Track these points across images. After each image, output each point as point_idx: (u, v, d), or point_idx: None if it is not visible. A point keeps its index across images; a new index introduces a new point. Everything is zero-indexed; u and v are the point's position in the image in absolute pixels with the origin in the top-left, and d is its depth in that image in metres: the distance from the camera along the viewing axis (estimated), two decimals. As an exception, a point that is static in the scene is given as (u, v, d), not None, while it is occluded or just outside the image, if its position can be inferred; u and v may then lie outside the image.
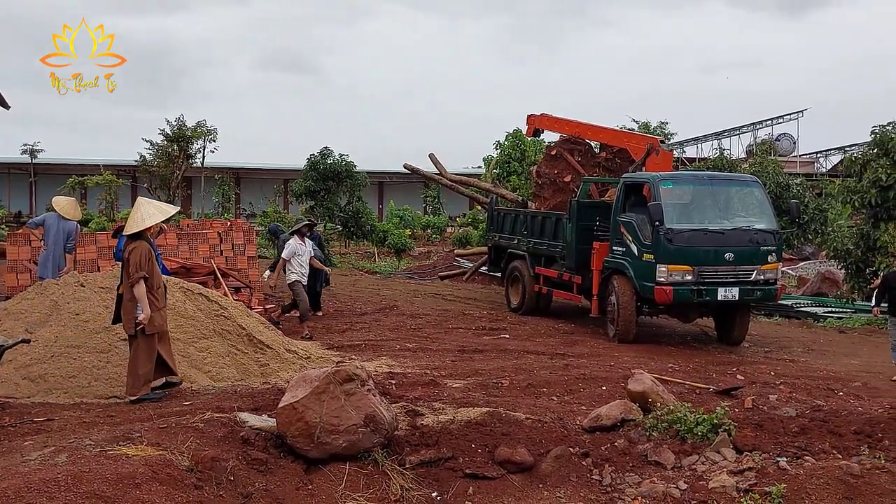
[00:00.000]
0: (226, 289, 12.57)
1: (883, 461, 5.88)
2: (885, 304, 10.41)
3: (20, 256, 12.17)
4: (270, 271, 13.38)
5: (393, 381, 8.50)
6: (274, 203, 41.33)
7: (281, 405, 6.03)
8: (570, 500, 5.76)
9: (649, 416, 6.78)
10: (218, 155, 40.99)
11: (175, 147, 37.88)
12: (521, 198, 19.57)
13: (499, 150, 30.61)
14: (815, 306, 17.45)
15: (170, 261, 12.38)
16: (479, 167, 36.32)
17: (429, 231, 36.89)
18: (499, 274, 17.53)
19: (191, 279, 11.28)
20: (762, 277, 11.92)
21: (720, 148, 42.08)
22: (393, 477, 5.85)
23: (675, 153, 33.01)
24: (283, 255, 12.46)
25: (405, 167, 22.37)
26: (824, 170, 49.51)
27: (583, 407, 7.73)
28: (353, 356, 10.23)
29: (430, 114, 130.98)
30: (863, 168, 16.14)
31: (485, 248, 19.63)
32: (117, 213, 37.70)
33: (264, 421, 6.26)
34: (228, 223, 17.00)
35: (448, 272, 22.86)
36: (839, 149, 48.94)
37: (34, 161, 45.11)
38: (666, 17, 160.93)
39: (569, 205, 14.12)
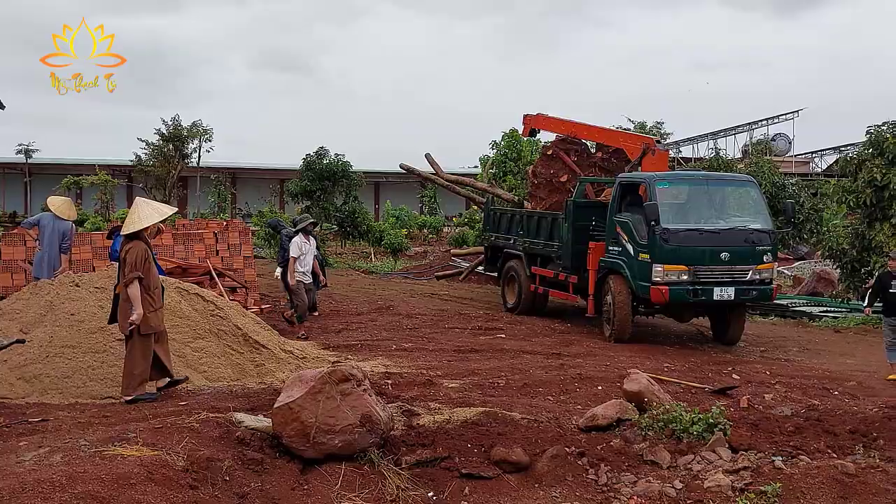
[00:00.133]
0: (221, 289, 12.56)
1: (878, 460, 5.90)
2: (880, 304, 10.42)
3: (15, 256, 12.15)
4: (281, 268, 13.23)
5: (389, 381, 8.50)
6: (270, 203, 41.28)
7: (277, 405, 6.02)
8: (565, 500, 5.77)
9: (645, 415, 6.79)
10: (214, 155, 41.10)
11: (171, 147, 37.87)
12: (517, 198, 19.58)
13: (495, 150, 30.58)
14: (811, 306, 17.47)
15: (166, 261, 12.36)
16: (476, 167, 36.32)
17: (425, 231, 36.87)
18: (495, 274, 17.54)
19: (186, 279, 11.27)
20: (758, 277, 11.93)
21: (716, 148, 42.19)
22: (389, 477, 5.85)
23: (671, 153, 33.05)
24: (292, 254, 12.29)
25: (401, 167, 22.37)
26: (819, 170, 49.65)
27: (579, 407, 7.74)
28: (349, 356, 10.23)
29: (427, 114, 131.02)
30: (858, 168, 16.16)
31: (481, 248, 19.63)
32: (113, 213, 37.66)
33: (260, 421, 6.26)
34: (224, 223, 16.99)
35: (444, 272, 22.85)
36: (834, 149, 49.07)
37: (29, 161, 45.01)
38: (662, 17, 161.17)
39: (565, 205, 14.13)
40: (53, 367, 7.75)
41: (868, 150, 16.07)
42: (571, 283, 13.82)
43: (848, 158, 17.42)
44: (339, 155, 29.35)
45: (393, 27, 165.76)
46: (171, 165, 37.83)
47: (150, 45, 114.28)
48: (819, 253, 21.28)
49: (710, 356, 11.58)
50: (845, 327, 14.87)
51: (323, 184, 28.70)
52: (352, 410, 5.97)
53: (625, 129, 26.38)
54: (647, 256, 11.75)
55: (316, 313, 14.22)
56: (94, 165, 40.21)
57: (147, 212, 7.67)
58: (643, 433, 6.55)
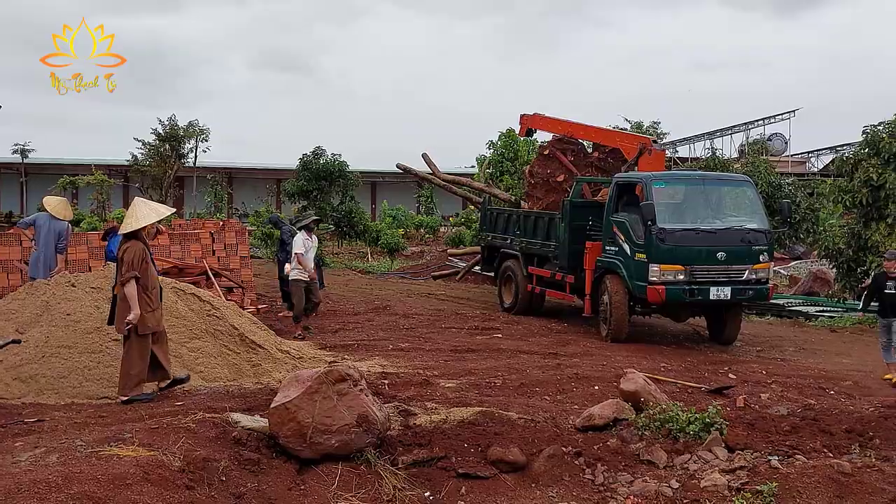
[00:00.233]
0: (218, 289, 12.55)
1: (874, 459, 5.91)
2: (876, 304, 10.43)
3: (11, 256, 12.13)
4: (290, 265, 13.08)
5: (385, 381, 8.50)
6: (267, 203, 41.26)
7: (273, 405, 6.02)
8: (562, 500, 5.77)
9: (641, 415, 6.79)
10: (210, 155, 41.01)
11: (167, 147, 37.80)
12: (513, 197, 19.59)
13: (492, 150, 30.60)
14: (807, 305, 17.50)
15: (162, 261, 12.35)
16: (472, 167, 36.32)
17: (422, 231, 36.87)
18: (492, 274, 17.53)
19: (183, 279, 11.26)
20: (754, 277, 11.95)
21: (712, 148, 42.20)
22: (385, 477, 5.85)
23: (668, 153, 33.09)
24: (297, 251, 12.22)
25: (398, 167, 22.35)
26: (816, 169, 49.72)
27: (575, 406, 7.74)
28: (346, 356, 10.22)
29: (424, 113, 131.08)
30: (854, 168, 16.19)
31: (478, 248, 19.62)
32: (109, 213, 37.59)
33: (256, 421, 6.25)
34: (221, 223, 16.98)
35: (441, 272, 22.85)
36: (830, 148, 49.17)
37: (25, 160, 44.92)
38: (661, 17, 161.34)
39: (561, 204, 14.13)
40: (49, 368, 7.73)
41: (864, 149, 16.10)
42: (568, 282, 13.82)
43: (844, 158, 17.45)
44: (335, 155, 29.37)
45: (392, 27, 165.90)
46: (167, 165, 37.77)
47: (148, 45, 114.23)
48: (815, 253, 21.32)
49: (706, 356, 11.59)
50: (841, 327, 14.90)
51: (319, 184, 28.69)
52: (348, 410, 5.97)
53: (621, 129, 26.44)
54: (643, 256, 11.76)
55: (313, 313, 14.22)
56: (91, 165, 40.10)
57: (144, 212, 7.67)
58: (640, 433, 6.55)
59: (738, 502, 5.31)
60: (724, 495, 5.47)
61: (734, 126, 50.83)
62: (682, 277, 11.64)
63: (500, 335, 12.67)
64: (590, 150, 16.82)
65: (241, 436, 5.94)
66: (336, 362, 8.01)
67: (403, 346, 11.27)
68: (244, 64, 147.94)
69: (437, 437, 6.39)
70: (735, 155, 44.99)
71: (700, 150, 47.13)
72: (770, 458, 5.94)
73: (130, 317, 7.27)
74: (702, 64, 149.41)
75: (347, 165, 29.35)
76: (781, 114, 49.64)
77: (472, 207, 27.83)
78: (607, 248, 12.72)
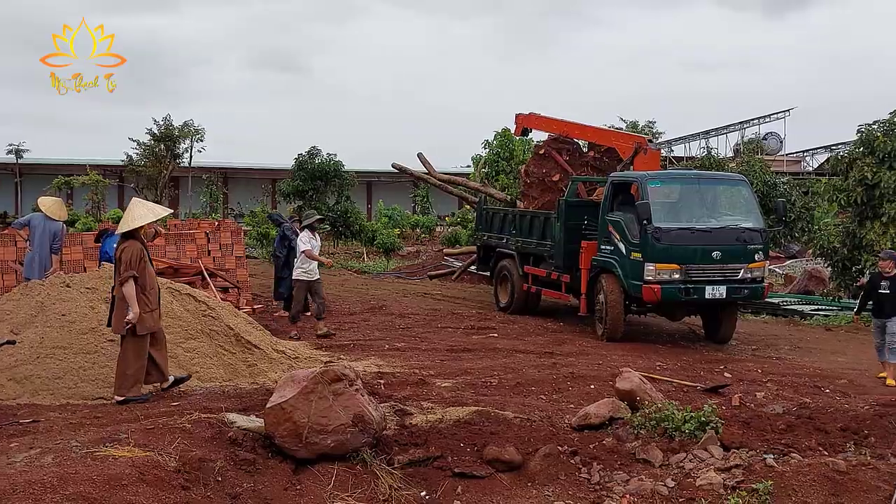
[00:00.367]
0: (213, 289, 12.52)
1: (869, 458, 5.93)
2: (871, 304, 10.44)
3: (6, 257, 12.09)
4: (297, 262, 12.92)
5: (381, 381, 8.50)
6: (262, 203, 41.19)
7: (269, 405, 6.02)
8: (558, 499, 5.78)
9: (637, 414, 6.80)
10: (206, 155, 41.00)
11: (162, 147, 37.75)
12: (509, 197, 19.57)
13: (487, 150, 30.59)
14: (802, 304, 17.52)
15: (157, 261, 12.30)
16: (468, 166, 36.31)
17: (418, 230, 36.84)
18: (488, 273, 17.53)
19: (178, 279, 11.24)
20: (749, 276, 11.97)
21: (707, 147, 42.31)
22: (381, 476, 5.85)
23: (663, 152, 33.11)
24: (303, 249, 12.11)
25: (394, 166, 22.33)
26: (811, 168, 49.86)
27: (571, 405, 7.75)
28: (342, 356, 10.22)
29: (419, 113, 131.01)
30: (849, 167, 16.23)
31: (473, 248, 19.61)
32: (104, 213, 37.51)
33: (252, 421, 6.25)
34: (216, 223, 16.95)
35: (437, 272, 22.83)
36: (825, 147, 49.32)
37: (20, 161, 44.81)
38: (654, 16, 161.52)
39: (557, 204, 14.14)
40: (44, 368, 7.71)
41: (859, 148, 16.14)
42: (564, 282, 13.83)
43: (839, 157, 17.51)
44: (331, 154, 29.35)
45: (389, 26, 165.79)
46: (162, 165, 37.72)
47: (142, 45, 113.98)
48: (810, 251, 21.34)
49: (701, 355, 11.61)
50: (836, 325, 14.93)
51: (315, 183, 28.66)
52: (344, 410, 5.97)
53: (617, 129, 26.46)
54: (639, 255, 11.78)
55: (308, 313, 14.20)
56: (85, 165, 40.02)
57: (141, 212, 7.68)
58: (635, 432, 6.56)
59: (733, 501, 5.32)
60: (720, 494, 5.48)
61: (729, 125, 50.99)
62: (677, 276, 11.66)
63: (496, 334, 12.67)
64: (585, 150, 16.82)
65: (236, 436, 5.94)
66: (332, 362, 8.02)
67: (399, 346, 11.27)
68: (236, 64, 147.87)
69: (433, 436, 6.39)
70: (730, 154, 45.12)
71: (695, 149, 47.25)
72: (765, 456, 5.95)
73: (130, 316, 7.25)
74: (696, 63, 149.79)
75: (343, 165, 29.32)
76: (776, 113, 49.84)
77: (468, 207, 27.81)
78: (603, 247, 12.73)
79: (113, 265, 9.34)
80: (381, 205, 40.16)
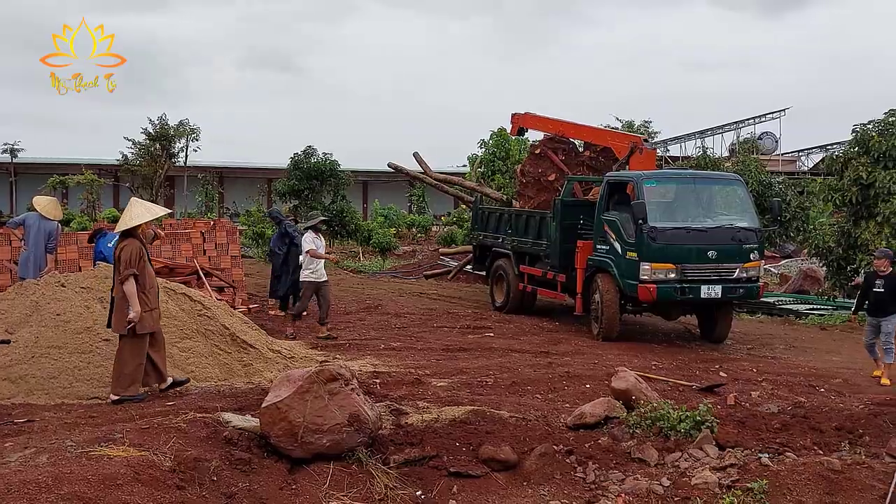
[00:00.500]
0: (209, 288, 12.51)
1: (863, 457, 5.94)
2: (867, 304, 10.46)
3: (0, 256, 12.06)
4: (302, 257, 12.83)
5: (377, 381, 8.49)
6: (258, 202, 41.16)
7: (264, 405, 6.01)
8: (553, 498, 5.78)
9: (633, 413, 6.81)
10: (201, 154, 40.91)
11: (157, 146, 37.68)
12: (505, 196, 19.59)
13: (483, 149, 30.62)
14: (797, 304, 17.57)
15: (153, 260, 12.28)
16: (464, 166, 36.32)
17: (414, 230, 36.81)
18: (483, 273, 17.55)
19: (173, 279, 11.22)
20: (745, 275, 11.99)
21: (703, 147, 42.37)
22: (377, 476, 5.85)
23: (659, 152, 33.15)
24: (308, 248, 12.01)
25: (389, 166, 22.32)
26: (806, 168, 49.95)
27: (567, 405, 7.75)
28: (338, 355, 10.21)
29: (415, 113, 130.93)
30: (844, 166, 16.27)
31: (469, 247, 19.62)
32: (99, 212, 37.44)
33: (248, 421, 6.24)
34: (212, 223, 16.93)
35: (433, 271, 22.83)
36: (820, 147, 49.40)
37: (15, 160, 44.68)
38: (654, 16, 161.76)
39: (553, 203, 14.15)
40: (39, 368, 7.70)
41: (854, 148, 16.18)
42: (560, 281, 13.84)
43: (834, 157, 17.55)
44: (326, 154, 29.38)
45: (382, 26, 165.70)
46: (157, 165, 37.64)
47: (138, 45, 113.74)
48: (805, 251, 21.43)
49: (697, 354, 11.63)
50: (831, 325, 14.96)
51: (311, 183, 28.68)
52: (340, 410, 5.97)
53: (613, 128, 26.48)
54: (634, 255, 11.79)
55: (304, 312, 14.19)
56: (81, 165, 39.95)
57: (139, 211, 7.70)
58: (631, 431, 6.57)
59: (728, 500, 5.32)
60: (715, 493, 5.49)
61: (725, 125, 51.05)
62: (672, 276, 11.67)
63: (491, 334, 12.68)
64: (581, 149, 16.84)
65: (232, 435, 5.93)
66: (327, 362, 8.00)
67: (395, 346, 11.27)
68: (232, 63, 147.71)
69: (428, 436, 6.40)
70: (726, 154, 45.16)
71: (691, 148, 47.34)
72: (760, 455, 5.96)
73: (131, 315, 7.25)
74: (696, 63, 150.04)
75: (339, 164, 29.33)
76: (772, 112, 49.89)
77: (464, 207, 27.83)
78: (598, 246, 12.73)
79: (107, 265, 9.38)
80: (377, 204, 40.12)
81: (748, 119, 50.59)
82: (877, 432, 6.57)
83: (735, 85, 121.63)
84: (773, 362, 11.12)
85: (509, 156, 28.57)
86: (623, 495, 5.64)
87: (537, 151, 16.37)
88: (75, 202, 39.88)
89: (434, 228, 37.03)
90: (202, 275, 12.88)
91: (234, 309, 11.30)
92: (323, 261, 12.27)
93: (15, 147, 44.06)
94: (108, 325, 7.61)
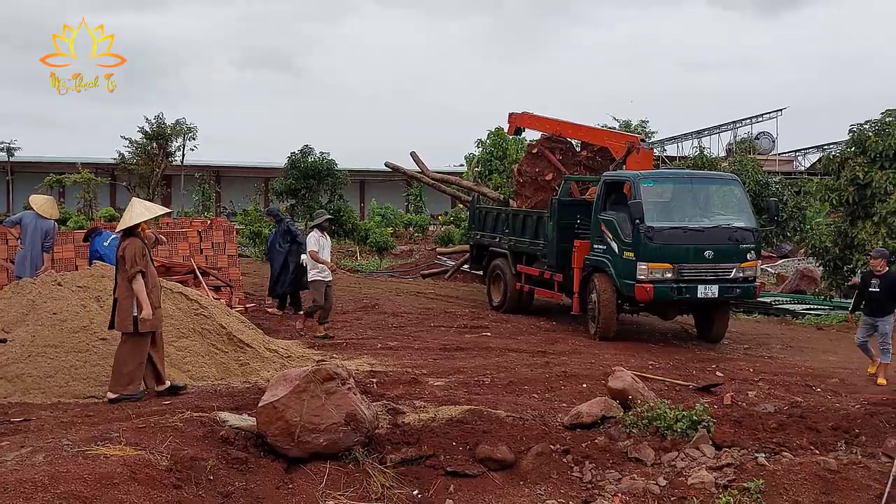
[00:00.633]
0: (205, 288, 12.49)
1: (859, 456, 5.96)
2: (864, 303, 10.47)
3: (-3, 255, 12.03)
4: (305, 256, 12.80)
5: (374, 380, 8.49)
6: (255, 201, 41.13)
7: (261, 404, 6.01)
8: (550, 497, 5.78)
9: (629, 413, 6.82)
10: (198, 153, 40.83)
11: (154, 145, 37.61)
12: (502, 196, 19.59)
13: (481, 149, 30.61)
14: (794, 303, 17.59)
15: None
16: (461, 165, 36.31)
17: (411, 229, 36.80)
18: (480, 272, 17.54)
19: (170, 278, 11.20)
20: (741, 275, 12.00)
21: (700, 146, 42.36)
22: (374, 475, 5.85)
23: (656, 151, 33.19)
24: (312, 248, 11.99)
25: (387, 165, 22.31)
26: (803, 168, 50.03)
27: (563, 404, 7.75)
28: (334, 355, 10.20)
29: (412, 112, 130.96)
30: (841, 166, 16.29)
31: (467, 247, 19.60)
32: (96, 211, 37.39)
33: (244, 420, 6.24)
34: (209, 222, 16.91)
35: (430, 270, 22.83)
36: (817, 147, 49.52)
37: (11, 159, 44.61)
38: (650, 16, 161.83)
39: (550, 203, 14.14)
40: (36, 367, 7.68)
41: (851, 148, 16.22)
42: (557, 281, 13.84)
43: (831, 157, 17.58)
44: (323, 153, 29.36)
45: (379, 26, 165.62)
46: (154, 164, 37.56)
47: (134, 44, 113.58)
48: (802, 251, 21.43)
49: (694, 354, 11.63)
50: (828, 325, 14.98)
51: (308, 182, 28.65)
52: (336, 409, 5.97)
53: (610, 128, 26.50)
54: (631, 254, 11.79)
55: (301, 312, 14.17)
56: (77, 164, 39.87)
57: (139, 210, 7.73)
58: (627, 431, 6.58)
59: (725, 499, 5.33)
60: (712, 492, 5.50)
61: (722, 125, 51.11)
62: (669, 276, 11.68)
63: (488, 333, 12.68)
64: (578, 149, 16.84)
65: (228, 435, 5.93)
66: (324, 361, 8.01)
67: (392, 345, 11.26)
68: (229, 63, 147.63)
69: (425, 435, 6.40)
70: (723, 154, 45.24)
71: (688, 148, 47.37)
72: (757, 455, 5.98)
73: (144, 313, 7.26)
74: (693, 63, 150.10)
75: (336, 164, 29.31)
76: (769, 112, 49.97)
77: (461, 206, 27.85)
78: (595, 246, 12.74)
79: (104, 264, 9.36)
80: (374, 203, 40.12)
81: (745, 119, 50.70)
82: (873, 432, 6.58)
83: (734, 85, 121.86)
84: (770, 362, 11.13)
85: (506, 155, 28.57)
86: (619, 495, 5.64)
87: (534, 151, 16.37)
88: (72, 201, 39.82)
89: (431, 228, 37.02)
90: (199, 274, 12.86)
91: (231, 308, 11.29)
92: (328, 256, 12.29)
93: (11, 146, 44.03)
94: (111, 326, 7.60)
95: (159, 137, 37.38)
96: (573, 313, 13.51)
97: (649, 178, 12.58)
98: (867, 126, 16.02)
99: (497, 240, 15.95)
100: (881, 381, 9.73)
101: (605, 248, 12.43)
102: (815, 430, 6.69)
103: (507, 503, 5.81)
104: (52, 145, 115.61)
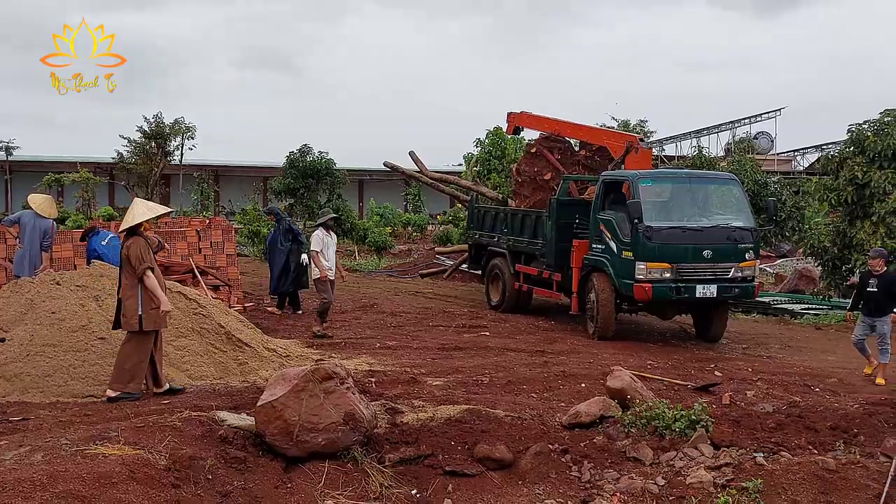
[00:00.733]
0: (204, 287, 12.48)
1: (858, 456, 5.95)
2: (862, 303, 10.47)
3: (-5, 254, 12.02)
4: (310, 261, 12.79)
5: (373, 379, 8.49)
6: (254, 201, 41.10)
7: (260, 403, 6.01)
8: (549, 497, 5.78)
9: (628, 412, 6.82)
10: (197, 153, 40.82)
11: (153, 144, 37.58)
12: (501, 195, 19.58)
13: (479, 148, 30.61)
14: (792, 303, 17.59)
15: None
16: (460, 165, 36.35)
17: (409, 229, 36.79)
18: (479, 272, 17.54)
19: (169, 277, 11.19)
20: (740, 275, 12.00)
21: (699, 146, 42.37)
22: (372, 475, 5.85)
23: (654, 151, 33.19)
24: (314, 248, 12.01)
25: (385, 165, 22.30)
26: (801, 168, 50.06)
27: (562, 404, 7.75)
28: (333, 354, 10.20)
29: (411, 112, 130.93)
30: (839, 166, 16.29)
31: (465, 246, 19.60)
32: (94, 210, 37.34)
33: (243, 419, 6.23)
34: (207, 221, 16.90)
35: (429, 270, 22.82)
36: (816, 147, 49.56)
37: (10, 158, 44.57)
38: (650, 16, 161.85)
39: (548, 203, 14.14)
40: (34, 366, 7.68)
41: (849, 148, 16.21)
42: (555, 280, 13.84)
43: (829, 157, 17.58)
44: (322, 153, 29.33)
45: (378, 26, 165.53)
46: (153, 163, 37.55)
47: (138, 45, 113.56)
48: (801, 250, 21.44)
49: (692, 353, 11.64)
50: (826, 324, 14.99)
51: (306, 181, 28.62)
52: (335, 409, 5.97)
53: (608, 128, 26.51)
54: (630, 254, 11.79)
55: (300, 312, 14.18)
56: (76, 163, 39.82)
57: (142, 210, 7.75)
58: (626, 430, 6.58)
59: (723, 499, 5.33)
60: (710, 492, 5.50)
61: (720, 125, 51.15)
62: (668, 275, 11.69)
63: (487, 333, 12.68)
64: (577, 149, 16.84)
65: (227, 434, 5.93)
66: (323, 360, 8.00)
67: (390, 345, 11.26)
68: (227, 62, 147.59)
69: (423, 434, 6.40)
70: (721, 153, 45.25)
71: (686, 148, 47.41)
72: (755, 454, 5.97)
73: (164, 308, 7.38)
74: (693, 63, 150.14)
75: (334, 163, 29.29)
76: (767, 112, 50.01)
77: (460, 206, 27.84)
78: (594, 246, 12.74)
79: (103, 263, 9.36)
80: (373, 203, 40.09)
81: (744, 119, 50.74)
82: (871, 432, 6.58)
83: (734, 85, 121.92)
84: (769, 362, 11.14)
85: (505, 155, 28.57)
86: (618, 494, 5.64)
87: (533, 150, 16.37)
88: (70, 200, 39.77)
89: (430, 227, 37.02)
90: (197, 273, 12.85)
91: (230, 307, 11.28)
92: (333, 259, 12.30)
93: (10, 145, 43.98)
94: (116, 326, 7.59)
95: (158, 137, 37.36)
96: (572, 313, 13.51)
97: (648, 177, 12.58)
98: (866, 126, 16.02)
99: (496, 239, 15.95)
100: (880, 380, 9.74)
101: (603, 247, 12.44)
102: (813, 429, 6.69)
103: (505, 503, 5.81)
104: (51, 145, 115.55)
